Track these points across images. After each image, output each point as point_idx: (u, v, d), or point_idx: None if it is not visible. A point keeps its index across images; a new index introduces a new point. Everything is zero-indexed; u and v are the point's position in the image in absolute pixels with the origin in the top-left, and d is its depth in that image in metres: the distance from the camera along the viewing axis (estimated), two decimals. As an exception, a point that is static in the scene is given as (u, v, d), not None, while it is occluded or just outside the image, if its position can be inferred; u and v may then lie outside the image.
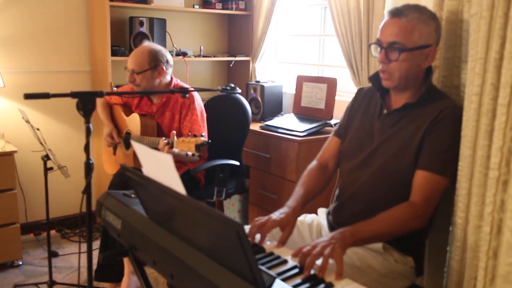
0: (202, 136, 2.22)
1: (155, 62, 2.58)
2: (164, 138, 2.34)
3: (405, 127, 1.63)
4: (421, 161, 1.57)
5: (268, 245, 1.45)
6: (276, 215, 1.55)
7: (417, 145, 1.58)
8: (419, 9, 1.59)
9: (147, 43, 2.67)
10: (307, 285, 1.20)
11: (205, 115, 2.71)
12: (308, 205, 1.72)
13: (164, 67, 2.61)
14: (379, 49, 1.63)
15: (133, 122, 2.67)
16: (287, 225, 1.52)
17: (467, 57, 1.70)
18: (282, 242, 1.46)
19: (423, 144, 1.58)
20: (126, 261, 2.44)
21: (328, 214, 1.82)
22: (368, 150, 1.69)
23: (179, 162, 2.68)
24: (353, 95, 1.91)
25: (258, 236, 1.48)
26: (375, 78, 1.72)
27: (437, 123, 1.57)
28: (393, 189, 1.62)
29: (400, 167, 1.60)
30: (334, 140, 1.88)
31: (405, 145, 1.60)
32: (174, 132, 2.31)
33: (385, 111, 1.71)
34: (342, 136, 1.84)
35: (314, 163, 1.88)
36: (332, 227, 1.77)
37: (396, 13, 1.60)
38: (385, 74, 1.64)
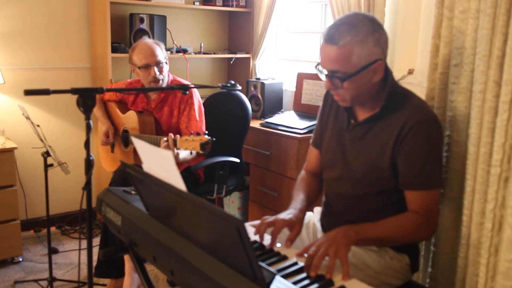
0: (206, 134, 2.20)
1: (166, 54, 2.64)
2: (165, 138, 2.30)
3: (374, 140, 1.59)
4: (403, 181, 1.54)
5: (279, 247, 1.44)
6: (283, 215, 1.54)
7: (390, 157, 1.54)
8: (354, 28, 1.45)
9: (147, 39, 2.66)
10: (308, 281, 1.20)
11: (203, 109, 2.71)
12: (309, 208, 1.73)
13: (167, 59, 2.64)
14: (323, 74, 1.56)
15: (129, 120, 2.65)
16: (296, 224, 1.51)
17: (456, 55, 1.70)
18: (291, 240, 1.45)
19: (395, 157, 1.53)
20: (127, 258, 2.44)
21: (321, 217, 1.83)
22: (343, 163, 1.67)
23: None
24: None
25: (267, 237, 1.46)
26: None
27: (403, 138, 1.50)
28: (376, 200, 1.61)
29: (378, 179, 1.58)
30: (313, 151, 1.87)
31: (379, 158, 1.57)
32: (171, 134, 2.28)
33: (352, 121, 1.66)
34: (319, 145, 1.82)
35: (302, 172, 1.88)
36: (325, 230, 1.78)
37: (328, 39, 1.49)
38: (337, 97, 1.58)
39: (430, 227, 1.54)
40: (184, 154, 2.43)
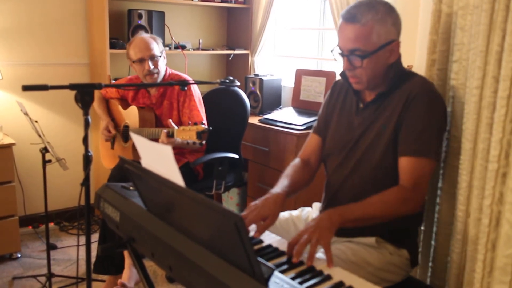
0: (202, 124, 2.22)
1: (162, 48, 2.65)
2: (165, 129, 2.33)
3: (380, 116, 1.61)
4: (400, 147, 1.55)
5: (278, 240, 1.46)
6: (260, 204, 1.53)
7: (392, 130, 1.56)
8: (373, 7, 1.50)
9: (144, 34, 2.68)
10: (306, 277, 1.20)
11: (202, 100, 2.72)
12: (292, 196, 1.71)
13: (165, 54, 2.65)
14: (340, 55, 1.58)
15: (130, 115, 2.66)
16: (269, 217, 1.50)
17: (455, 51, 1.70)
18: (259, 232, 1.45)
19: (399, 129, 1.56)
20: (126, 253, 2.44)
21: (320, 212, 1.83)
22: (349, 145, 1.68)
23: (178, 154, 2.68)
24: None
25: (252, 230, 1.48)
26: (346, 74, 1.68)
27: (408, 106, 1.54)
28: (376, 178, 1.61)
29: (378, 155, 1.59)
30: (314, 138, 1.86)
31: (381, 132, 1.59)
32: (171, 120, 2.30)
33: (361, 105, 1.68)
34: (322, 133, 1.82)
35: (296, 159, 1.87)
36: None
37: (349, 18, 1.51)
38: (353, 79, 1.60)
39: (416, 200, 1.53)
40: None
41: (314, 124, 1.89)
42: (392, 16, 1.54)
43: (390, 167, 1.59)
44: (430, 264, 1.87)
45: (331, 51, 1.63)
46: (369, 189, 1.60)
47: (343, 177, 1.69)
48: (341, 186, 1.70)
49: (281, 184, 1.67)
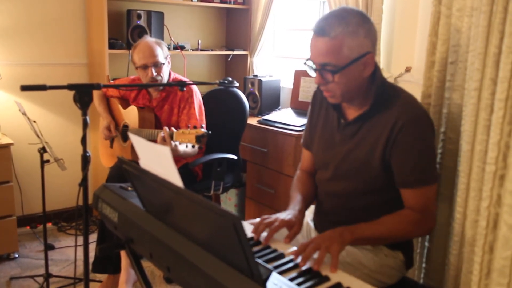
0: (202, 127, 2.21)
1: (167, 53, 2.63)
2: (162, 132, 2.32)
3: (365, 138, 1.57)
4: (399, 179, 1.52)
5: (274, 239, 1.45)
6: (283, 215, 1.54)
7: (381, 155, 1.52)
8: (344, 20, 1.44)
9: (149, 38, 2.66)
10: (303, 278, 1.20)
11: (203, 109, 2.71)
12: (308, 208, 1.72)
13: (169, 58, 2.63)
14: (313, 69, 1.53)
15: (130, 115, 2.66)
16: (295, 224, 1.51)
17: (452, 53, 1.71)
18: (290, 238, 1.46)
19: (388, 156, 1.51)
20: (123, 254, 2.44)
21: (314, 216, 1.83)
22: (335, 163, 1.65)
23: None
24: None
25: (264, 234, 1.45)
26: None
27: (396, 137, 1.48)
28: (367, 198, 1.60)
29: (368, 177, 1.57)
30: (306, 153, 1.86)
31: (369, 156, 1.55)
32: (166, 128, 2.28)
33: (342, 121, 1.64)
34: (310, 147, 1.82)
35: (298, 172, 1.87)
36: (317, 229, 1.78)
37: (318, 31, 1.45)
38: (327, 93, 1.55)
39: (428, 224, 1.53)
40: (183, 147, 2.42)
41: (302, 137, 1.88)
42: (364, 28, 1.46)
43: (380, 193, 1.58)
44: (424, 265, 1.87)
45: (304, 63, 1.56)
46: (362, 209, 1.60)
47: (333, 195, 1.68)
48: (331, 203, 1.70)
49: (296, 200, 1.67)
